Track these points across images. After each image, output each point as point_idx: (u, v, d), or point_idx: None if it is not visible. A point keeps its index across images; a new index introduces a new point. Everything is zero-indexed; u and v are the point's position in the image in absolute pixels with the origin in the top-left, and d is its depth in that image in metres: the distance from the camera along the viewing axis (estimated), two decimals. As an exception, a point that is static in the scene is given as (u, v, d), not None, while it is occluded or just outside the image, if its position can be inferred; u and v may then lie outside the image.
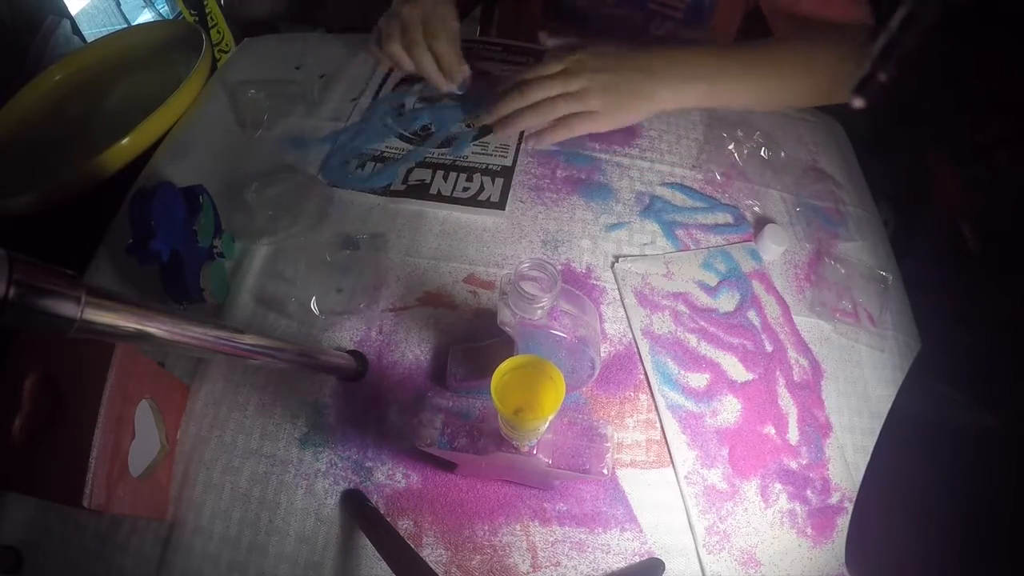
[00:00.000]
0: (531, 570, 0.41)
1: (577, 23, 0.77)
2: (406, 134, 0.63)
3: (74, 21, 1.21)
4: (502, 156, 0.61)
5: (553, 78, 0.56)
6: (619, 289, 0.53)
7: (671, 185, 0.61)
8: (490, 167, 0.60)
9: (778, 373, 0.51)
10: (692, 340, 0.51)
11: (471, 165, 0.60)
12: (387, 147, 0.61)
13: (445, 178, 0.59)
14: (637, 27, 0.75)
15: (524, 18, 0.81)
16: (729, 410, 0.48)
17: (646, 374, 0.49)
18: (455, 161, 0.60)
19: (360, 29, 0.76)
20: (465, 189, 0.58)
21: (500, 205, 0.57)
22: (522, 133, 0.62)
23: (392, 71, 0.69)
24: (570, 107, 0.56)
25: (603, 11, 0.73)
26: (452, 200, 0.57)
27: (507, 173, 0.59)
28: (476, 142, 0.62)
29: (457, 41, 0.62)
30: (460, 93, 0.64)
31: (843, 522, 0.45)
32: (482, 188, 0.58)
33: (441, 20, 0.61)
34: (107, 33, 0.82)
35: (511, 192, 0.58)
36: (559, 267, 0.54)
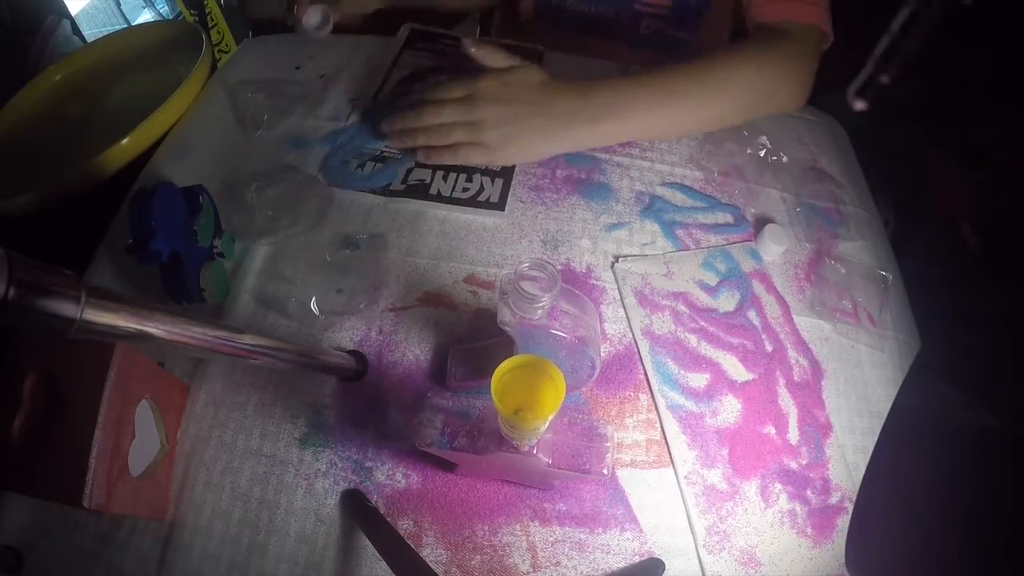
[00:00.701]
0: (531, 570, 0.41)
1: (567, 22, 0.77)
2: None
3: (74, 21, 1.21)
4: None
5: (456, 103, 0.54)
6: (619, 289, 0.53)
7: (671, 185, 0.61)
8: (490, 167, 0.60)
9: (778, 373, 0.51)
10: (692, 340, 0.51)
11: (471, 165, 0.60)
12: (387, 147, 0.61)
13: (445, 178, 0.59)
14: (626, 27, 0.75)
15: (520, 18, 0.81)
16: (729, 410, 0.48)
17: (646, 374, 0.49)
18: (455, 161, 0.60)
19: (360, 29, 0.76)
20: (465, 189, 0.58)
21: (500, 206, 0.57)
22: None
23: (393, 69, 0.69)
24: (465, 136, 0.55)
25: (592, 9, 0.73)
26: (452, 200, 0.57)
27: (507, 174, 0.59)
28: None
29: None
30: (314, 32, 0.64)
31: (843, 522, 0.45)
32: (482, 188, 0.58)
33: None
34: (107, 33, 0.82)
35: (511, 192, 0.58)
36: (559, 267, 0.54)
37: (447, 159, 0.56)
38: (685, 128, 0.59)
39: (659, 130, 0.58)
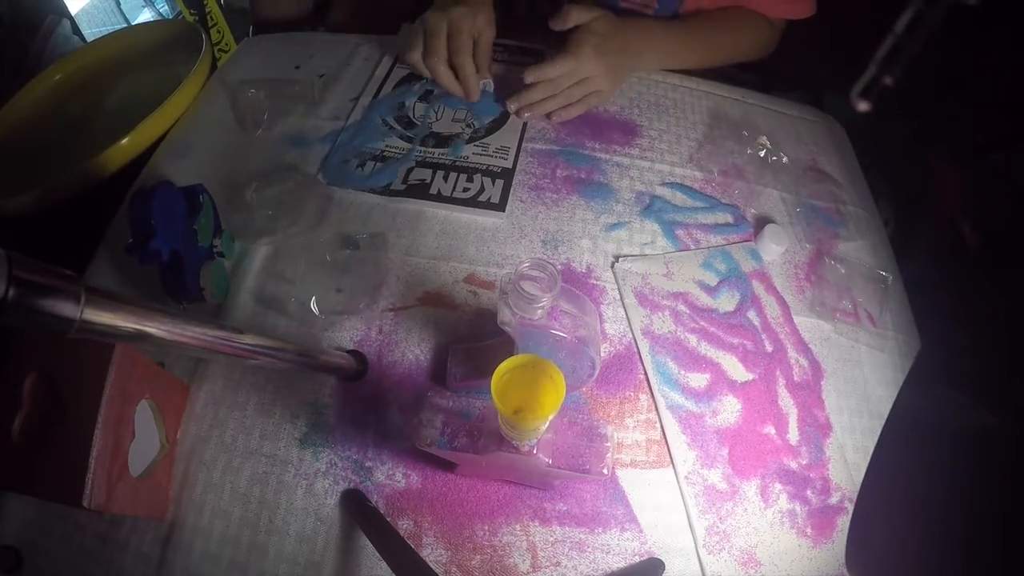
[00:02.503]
0: (531, 570, 0.41)
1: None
2: (407, 134, 0.63)
3: (74, 21, 1.21)
4: (502, 158, 0.61)
5: (571, 72, 0.63)
6: (619, 289, 0.53)
7: (671, 185, 0.61)
8: (491, 168, 0.60)
9: (778, 373, 0.51)
10: (692, 340, 0.51)
11: (472, 166, 0.60)
12: (387, 146, 0.61)
13: (445, 178, 0.59)
14: None
15: (513, 18, 0.81)
16: (729, 410, 0.48)
17: (646, 374, 0.49)
18: (455, 161, 0.60)
19: (362, 29, 0.76)
20: (465, 190, 0.58)
21: (500, 207, 0.57)
22: (522, 136, 0.63)
23: (393, 69, 0.69)
24: (583, 91, 0.64)
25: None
26: (452, 200, 0.57)
27: (507, 175, 0.59)
28: (476, 143, 0.62)
29: (487, 49, 0.65)
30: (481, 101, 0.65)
31: (843, 522, 0.45)
32: (482, 189, 0.58)
33: (468, 30, 0.62)
34: (107, 33, 0.82)
35: (511, 192, 0.58)
36: (559, 267, 0.54)
37: (576, 112, 0.65)
38: (702, 61, 0.73)
39: (687, 60, 0.72)
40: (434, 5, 0.64)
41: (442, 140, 0.62)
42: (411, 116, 0.64)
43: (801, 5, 0.71)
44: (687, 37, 0.70)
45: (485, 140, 0.62)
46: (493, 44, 0.65)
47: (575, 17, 0.63)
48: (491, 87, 0.66)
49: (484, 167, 0.60)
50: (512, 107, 0.64)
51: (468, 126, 0.64)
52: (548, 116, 0.65)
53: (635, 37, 0.67)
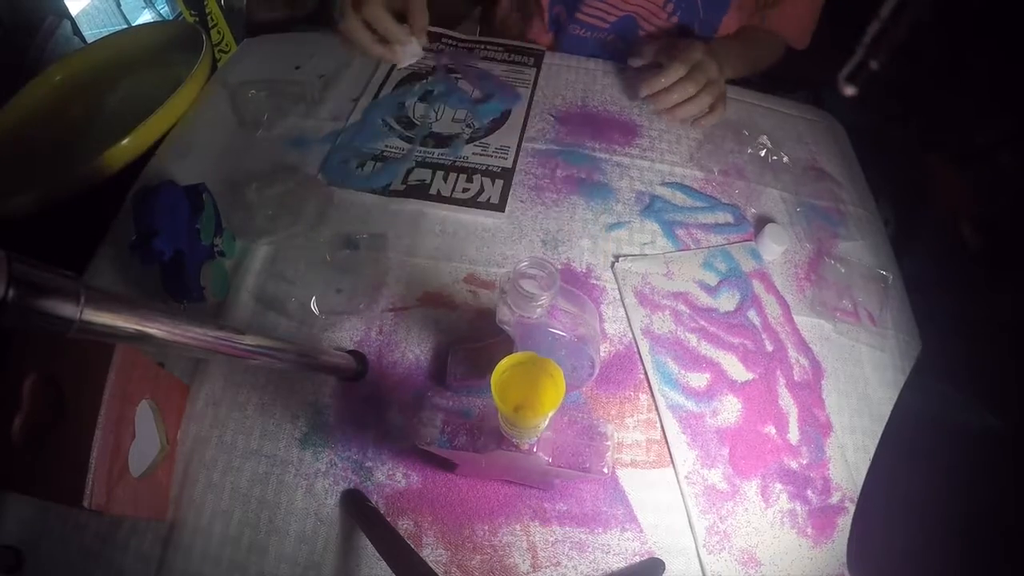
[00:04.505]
0: (531, 570, 0.41)
1: (550, 28, 0.77)
2: (407, 134, 0.62)
3: (74, 21, 1.21)
4: (502, 158, 0.61)
5: (691, 77, 0.63)
6: (619, 289, 0.53)
7: (671, 185, 0.61)
8: (490, 168, 0.60)
9: (778, 373, 0.50)
10: (692, 340, 0.51)
11: (471, 166, 0.60)
12: (387, 146, 0.61)
13: (445, 179, 0.59)
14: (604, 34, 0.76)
15: (513, 20, 0.81)
16: (729, 410, 0.48)
17: (646, 374, 0.49)
18: (455, 162, 0.60)
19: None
20: (465, 190, 0.58)
21: (500, 207, 0.57)
22: (522, 136, 0.62)
23: (393, 71, 0.69)
24: (712, 94, 0.64)
25: (578, 12, 0.74)
26: (451, 201, 0.57)
27: (507, 175, 0.59)
28: (476, 143, 0.62)
29: (421, 12, 0.59)
30: (410, 63, 0.62)
31: (844, 522, 0.45)
32: (482, 189, 0.58)
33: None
34: (107, 33, 0.82)
35: (511, 193, 0.58)
36: (559, 267, 0.54)
37: (717, 118, 0.65)
38: (747, 70, 0.75)
39: (739, 69, 0.73)
40: None
41: (442, 140, 0.62)
42: (411, 116, 0.64)
43: (808, 39, 0.75)
44: (741, 54, 0.73)
45: (485, 140, 0.62)
46: (488, 43, 0.64)
47: (648, 51, 0.66)
48: (420, 52, 0.60)
49: (484, 167, 0.60)
50: (658, 110, 0.64)
51: (468, 126, 0.64)
52: (695, 124, 0.65)
53: (717, 54, 0.67)
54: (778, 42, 0.76)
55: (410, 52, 0.60)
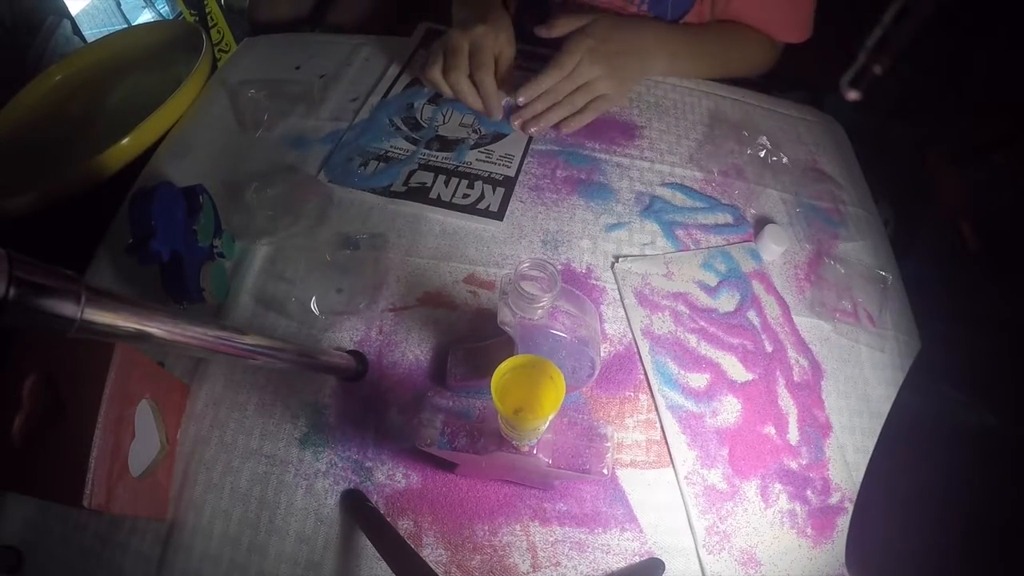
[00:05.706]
0: (531, 570, 0.41)
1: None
2: (413, 135, 0.62)
3: (74, 21, 1.21)
4: (506, 166, 0.60)
5: (568, 78, 0.62)
6: (619, 289, 0.53)
7: (671, 185, 0.61)
8: (493, 175, 0.59)
9: (778, 373, 0.51)
10: (692, 340, 0.51)
11: (474, 172, 0.60)
12: (391, 147, 0.61)
13: (446, 183, 0.58)
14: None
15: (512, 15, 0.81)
16: (729, 410, 0.48)
17: (646, 374, 0.49)
18: (458, 167, 0.60)
19: (361, 30, 0.76)
20: (465, 196, 0.58)
21: (499, 215, 0.56)
22: (527, 147, 0.62)
23: (403, 72, 0.69)
24: (586, 97, 0.62)
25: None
26: (451, 206, 0.57)
27: (509, 184, 0.59)
28: (481, 149, 0.62)
29: (508, 67, 0.64)
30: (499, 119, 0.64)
31: (843, 522, 0.45)
32: (482, 196, 0.58)
33: (490, 47, 0.61)
34: (107, 33, 0.82)
35: (512, 194, 0.58)
36: (559, 267, 0.54)
37: (586, 119, 0.63)
38: (709, 72, 0.72)
39: (695, 69, 0.71)
40: (455, 24, 0.63)
41: (447, 144, 0.62)
42: (418, 118, 0.64)
43: (800, 31, 0.71)
44: (700, 47, 0.69)
45: (490, 147, 0.62)
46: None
47: (562, 24, 0.63)
48: (511, 105, 0.64)
49: (486, 174, 0.60)
50: (515, 124, 0.63)
51: (474, 132, 0.63)
52: (557, 127, 0.63)
53: (638, 37, 0.65)
54: (757, 38, 0.72)
55: (505, 105, 0.64)
